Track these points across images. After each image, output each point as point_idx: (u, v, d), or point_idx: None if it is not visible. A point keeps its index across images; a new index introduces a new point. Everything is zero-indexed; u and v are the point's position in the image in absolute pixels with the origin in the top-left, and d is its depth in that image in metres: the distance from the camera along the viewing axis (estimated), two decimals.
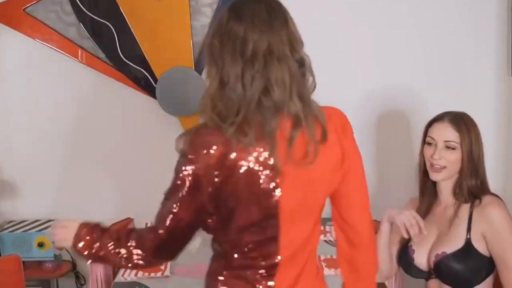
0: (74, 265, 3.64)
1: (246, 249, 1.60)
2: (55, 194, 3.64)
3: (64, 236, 1.72)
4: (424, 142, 2.38)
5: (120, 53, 3.40)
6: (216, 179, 1.52)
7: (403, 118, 3.32)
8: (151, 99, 3.40)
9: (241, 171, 1.51)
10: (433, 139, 2.32)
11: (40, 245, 3.42)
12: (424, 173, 2.40)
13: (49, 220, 3.57)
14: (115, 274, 2.74)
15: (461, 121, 2.30)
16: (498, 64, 3.29)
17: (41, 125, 3.57)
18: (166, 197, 1.60)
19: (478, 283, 2.28)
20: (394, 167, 3.35)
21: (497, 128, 3.31)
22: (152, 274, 2.60)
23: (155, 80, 3.39)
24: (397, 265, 2.48)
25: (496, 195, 2.32)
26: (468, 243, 2.26)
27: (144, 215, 3.48)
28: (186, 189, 1.54)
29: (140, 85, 3.43)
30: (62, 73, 3.47)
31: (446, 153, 2.29)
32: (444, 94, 3.27)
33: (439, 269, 2.31)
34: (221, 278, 1.65)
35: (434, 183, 2.39)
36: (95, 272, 2.75)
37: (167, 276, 2.59)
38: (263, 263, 1.61)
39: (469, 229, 2.27)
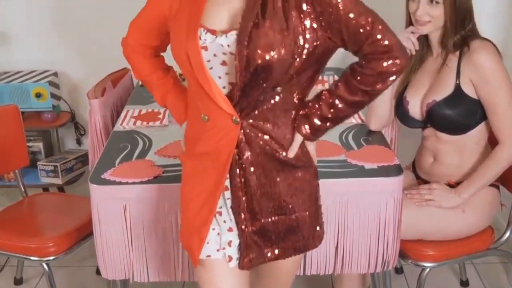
0: (73, 115, 3.67)
1: None
2: (50, 44, 3.59)
3: None
4: None
5: None
6: None
7: None
8: None
9: None
10: None
11: (38, 95, 3.42)
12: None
13: (46, 71, 3.54)
14: (113, 123, 2.75)
15: None
16: None
17: None
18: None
19: (474, 126, 2.31)
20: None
21: None
22: (151, 123, 2.61)
23: None
24: (394, 116, 2.51)
25: (487, 39, 2.28)
26: (458, 88, 2.26)
27: None
28: None
29: None
30: None
31: (429, 8, 2.23)
32: None
33: (432, 117, 2.32)
34: None
35: (426, 35, 2.34)
36: (94, 121, 2.76)
37: (166, 125, 2.60)
38: None
39: (458, 76, 2.26)
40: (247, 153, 1.64)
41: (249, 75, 1.54)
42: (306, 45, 1.55)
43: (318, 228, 1.79)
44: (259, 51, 1.51)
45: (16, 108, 2.78)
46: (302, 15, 1.55)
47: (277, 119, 1.64)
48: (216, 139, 1.63)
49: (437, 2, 2.22)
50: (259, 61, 1.52)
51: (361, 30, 1.54)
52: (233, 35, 1.56)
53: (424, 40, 2.36)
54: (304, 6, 1.55)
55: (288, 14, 1.54)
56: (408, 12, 2.33)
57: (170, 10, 1.70)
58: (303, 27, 1.55)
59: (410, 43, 2.30)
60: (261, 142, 1.64)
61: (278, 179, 1.68)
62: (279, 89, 1.60)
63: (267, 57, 1.52)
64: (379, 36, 1.55)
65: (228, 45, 1.56)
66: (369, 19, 1.54)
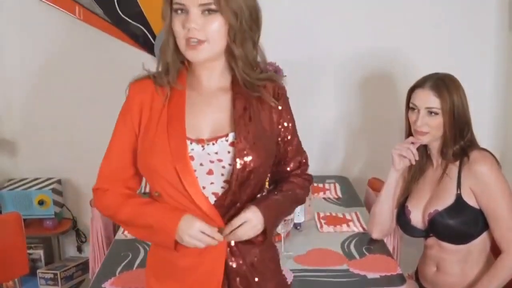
0: (74, 222, 3.67)
1: None
2: (55, 152, 3.63)
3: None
4: (408, 107, 2.38)
5: (118, 10, 3.35)
6: None
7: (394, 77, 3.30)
8: (150, 56, 3.37)
9: None
10: (415, 105, 2.32)
11: (41, 203, 3.44)
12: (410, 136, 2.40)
13: (49, 178, 3.57)
14: (115, 231, 2.75)
15: (442, 86, 2.28)
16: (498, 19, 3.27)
17: (38, 82, 3.54)
18: None
19: (477, 236, 2.30)
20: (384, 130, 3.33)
21: (495, 88, 3.30)
22: None
23: (154, 37, 3.35)
24: (396, 225, 2.51)
25: (485, 150, 2.32)
26: (459, 198, 2.27)
27: None
28: None
29: (138, 42, 3.39)
30: (58, 30, 3.43)
31: (429, 119, 2.29)
32: (440, 52, 3.28)
33: (434, 226, 2.32)
34: None
35: (426, 145, 2.39)
36: (96, 229, 2.76)
37: None
38: None
39: (459, 185, 2.28)
40: (232, 264, 1.61)
41: (243, 180, 1.55)
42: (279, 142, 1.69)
43: None
44: (254, 153, 1.55)
45: (19, 216, 2.78)
46: (274, 116, 1.65)
47: None
48: (200, 251, 1.56)
49: (436, 113, 2.27)
50: (254, 164, 1.55)
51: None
52: (223, 141, 1.56)
53: (423, 150, 2.41)
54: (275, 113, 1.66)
55: (267, 116, 1.64)
56: (407, 122, 2.39)
57: (139, 126, 1.61)
58: (278, 126, 1.67)
59: (410, 153, 2.34)
60: (247, 251, 1.62)
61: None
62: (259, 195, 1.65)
63: (262, 160, 1.57)
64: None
65: (216, 153, 1.55)
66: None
